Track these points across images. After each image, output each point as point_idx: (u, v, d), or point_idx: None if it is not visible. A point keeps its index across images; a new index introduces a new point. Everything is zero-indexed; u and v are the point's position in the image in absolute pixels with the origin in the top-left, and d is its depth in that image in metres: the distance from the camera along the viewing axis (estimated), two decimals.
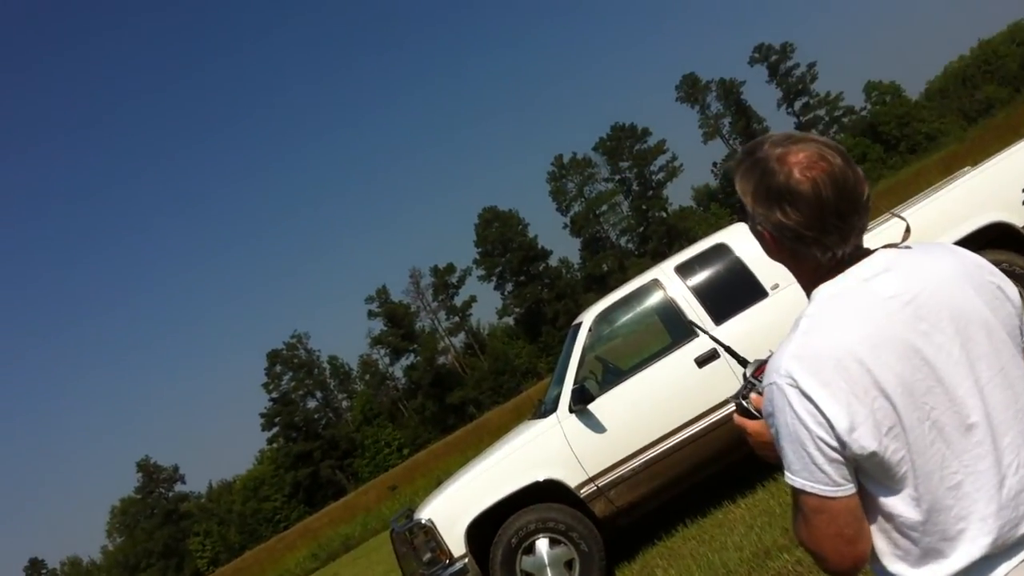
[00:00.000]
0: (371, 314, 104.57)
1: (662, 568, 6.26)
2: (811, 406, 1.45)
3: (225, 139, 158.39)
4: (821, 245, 1.55)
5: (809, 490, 1.47)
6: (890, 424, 1.45)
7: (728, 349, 2.04)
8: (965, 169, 8.08)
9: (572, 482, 6.42)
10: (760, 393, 1.64)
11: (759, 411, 1.64)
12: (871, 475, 1.49)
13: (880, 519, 1.51)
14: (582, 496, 6.42)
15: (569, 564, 6.32)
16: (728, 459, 6.61)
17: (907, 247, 1.61)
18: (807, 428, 1.45)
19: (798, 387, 1.46)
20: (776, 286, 6.58)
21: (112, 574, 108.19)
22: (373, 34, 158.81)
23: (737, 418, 1.72)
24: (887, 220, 6.82)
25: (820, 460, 1.45)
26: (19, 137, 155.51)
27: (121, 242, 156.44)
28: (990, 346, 1.51)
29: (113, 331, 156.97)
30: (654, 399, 6.51)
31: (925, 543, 1.48)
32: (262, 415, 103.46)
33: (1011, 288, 1.58)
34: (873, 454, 1.45)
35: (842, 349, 1.46)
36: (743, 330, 6.48)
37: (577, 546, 6.29)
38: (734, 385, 5.91)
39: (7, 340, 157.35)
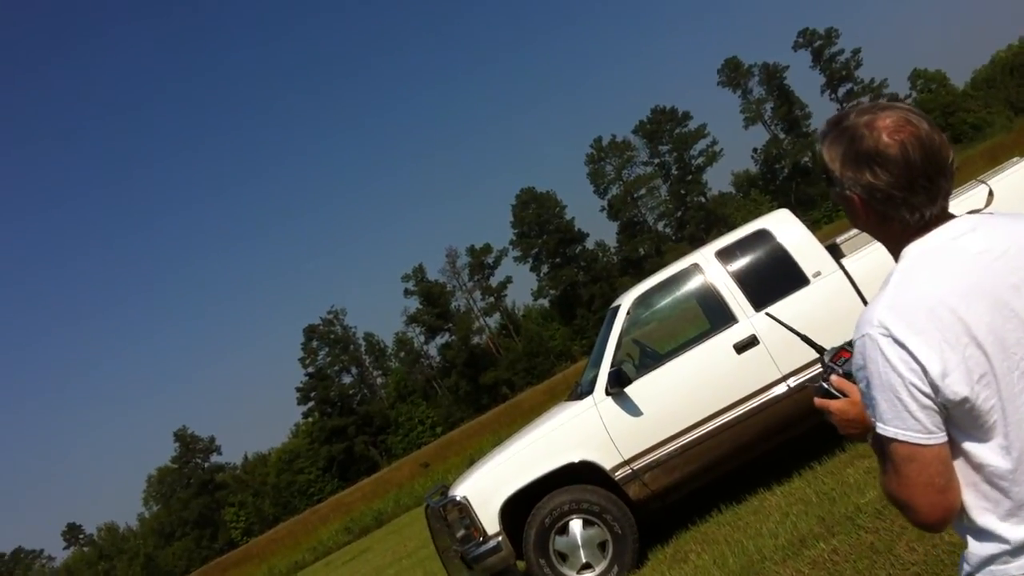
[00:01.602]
0: (407, 292, 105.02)
1: (695, 552, 6.26)
2: (904, 353, 1.49)
3: (273, 119, 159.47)
4: (909, 205, 1.59)
5: (901, 438, 1.51)
6: (982, 372, 1.49)
7: (804, 338, 2.06)
8: (1014, 159, 7.93)
9: (607, 464, 6.43)
10: (840, 375, 1.73)
11: (840, 392, 1.73)
12: (961, 424, 1.52)
13: (969, 470, 1.54)
14: (617, 479, 6.43)
15: (602, 545, 6.35)
16: (765, 446, 6.59)
17: (990, 213, 1.65)
18: (900, 375, 1.50)
19: (891, 335, 1.50)
20: (818, 273, 6.53)
21: (148, 541, 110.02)
22: (420, 16, 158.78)
23: (819, 401, 1.79)
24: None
25: (913, 407, 1.49)
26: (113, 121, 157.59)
27: (170, 217, 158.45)
28: None
29: (158, 303, 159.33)
30: (692, 384, 6.50)
31: (1015, 492, 1.51)
32: (298, 389, 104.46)
33: None
34: (965, 400, 1.48)
35: (934, 299, 1.51)
36: (783, 317, 6.41)
37: (611, 528, 6.31)
38: (772, 372, 5.90)
39: (56, 311, 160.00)
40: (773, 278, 6.66)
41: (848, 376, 1.72)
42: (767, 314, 3.00)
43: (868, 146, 1.59)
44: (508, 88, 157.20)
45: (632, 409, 6.49)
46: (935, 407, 1.49)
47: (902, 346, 1.49)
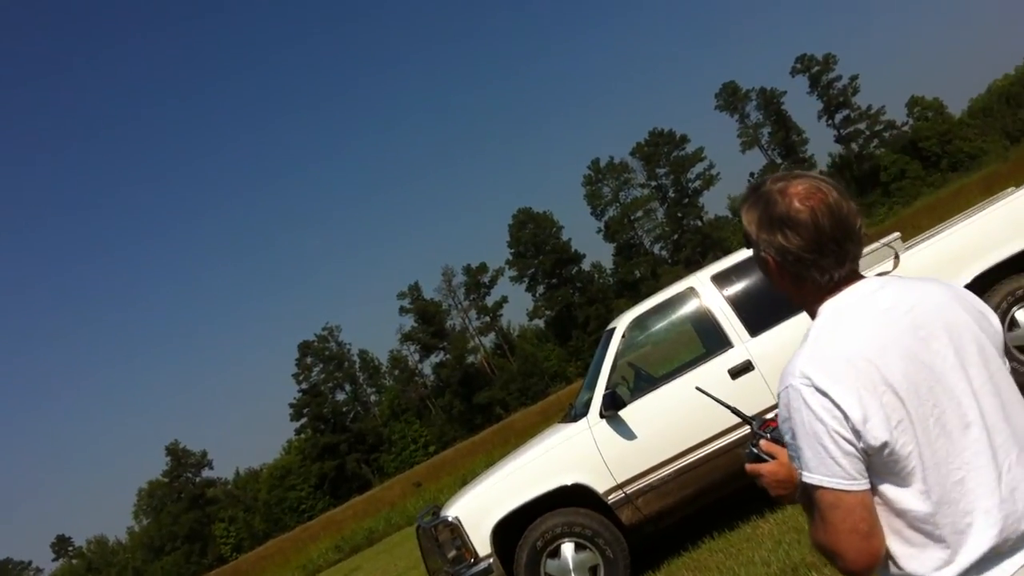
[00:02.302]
0: (403, 310, 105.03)
1: None
2: (826, 400, 1.56)
3: (272, 134, 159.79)
4: (819, 267, 1.69)
5: (826, 484, 1.57)
6: (899, 418, 1.57)
7: (734, 410, 2.15)
8: (1009, 189, 7.97)
9: (600, 488, 6.41)
10: (768, 440, 1.83)
11: (770, 455, 1.82)
12: (881, 471, 1.59)
13: (892, 516, 1.60)
14: (609, 502, 6.41)
15: (594, 570, 6.32)
16: None
17: (898, 276, 1.77)
18: (823, 422, 1.56)
19: (813, 384, 1.58)
20: None
21: (137, 555, 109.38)
22: (420, 36, 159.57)
23: (750, 466, 1.87)
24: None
25: (836, 453, 1.56)
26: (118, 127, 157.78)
27: (169, 228, 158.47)
28: (979, 356, 1.65)
29: (153, 316, 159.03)
30: (686, 408, 6.47)
31: (937, 536, 1.57)
32: (291, 405, 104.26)
33: (993, 315, 1.74)
34: (884, 445, 1.55)
35: (851, 350, 1.60)
36: (779, 342, 6.45)
37: (603, 552, 6.28)
38: (768, 398, 5.87)
39: (49, 321, 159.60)
40: (769, 303, 6.65)
41: (776, 441, 1.81)
42: (697, 388, 3.08)
43: (781, 211, 1.70)
44: (506, 108, 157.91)
45: (626, 432, 6.47)
46: (857, 453, 1.56)
47: (824, 394, 1.56)
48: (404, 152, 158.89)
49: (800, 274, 1.71)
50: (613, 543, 6.30)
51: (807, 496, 1.62)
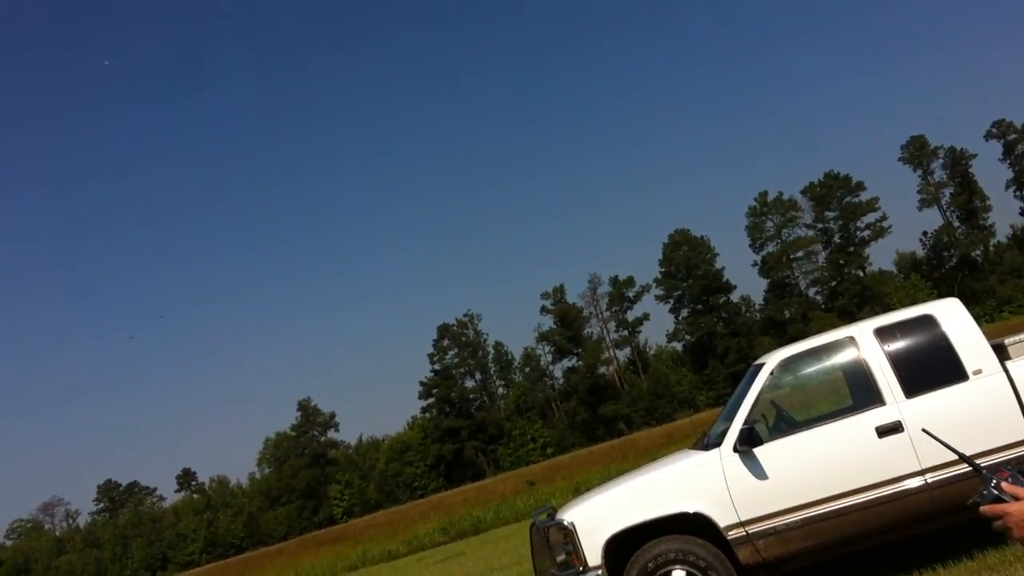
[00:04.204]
0: (544, 310, 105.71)
1: None
2: None
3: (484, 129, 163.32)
4: None
5: None
6: None
7: (962, 456, 2.23)
8: None
9: (722, 521, 6.30)
10: (1010, 483, 1.92)
11: (1014, 496, 1.90)
12: None
13: None
14: (729, 538, 6.28)
15: None
16: (889, 537, 6.34)
17: None
18: None
19: None
20: (979, 371, 6.26)
21: (254, 501, 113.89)
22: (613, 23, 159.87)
23: (990, 507, 1.95)
24: None
25: None
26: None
27: (355, 206, 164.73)
28: None
29: (312, 283, 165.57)
30: (825, 458, 6.29)
31: None
32: (422, 383, 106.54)
33: None
34: None
35: None
36: (933, 408, 6.20)
37: None
38: (912, 463, 5.66)
39: (242, 273, 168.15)
40: (930, 367, 6.41)
41: (1018, 484, 1.90)
42: (924, 430, 3.10)
43: None
44: (683, 128, 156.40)
45: (758, 471, 6.33)
46: None
47: None
48: (580, 148, 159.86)
49: None
50: None
51: None
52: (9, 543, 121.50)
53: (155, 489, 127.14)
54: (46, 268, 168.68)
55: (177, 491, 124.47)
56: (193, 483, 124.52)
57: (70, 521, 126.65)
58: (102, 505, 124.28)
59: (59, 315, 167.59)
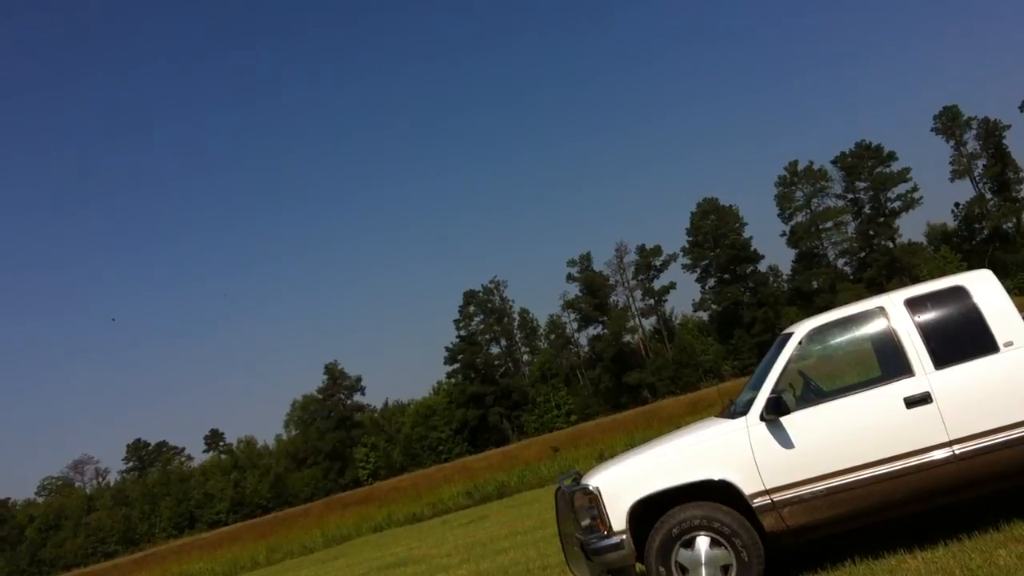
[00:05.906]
0: (570, 278, 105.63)
1: None
2: None
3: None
4: None
5: None
6: None
7: None
8: None
9: (747, 489, 6.31)
10: None
11: None
12: None
13: None
14: (754, 505, 6.30)
15: (725, 569, 6.24)
16: (913, 508, 6.33)
17: None
18: None
19: None
20: (1010, 343, 6.22)
21: (281, 462, 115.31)
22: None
23: None
24: None
25: None
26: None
27: (383, 183, 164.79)
28: None
29: (346, 244, 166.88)
30: (852, 428, 6.28)
31: None
32: (447, 349, 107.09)
33: None
34: None
35: None
36: (962, 380, 6.18)
37: (738, 553, 6.20)
38: (940, 434, 5.62)
39: (274, 237, 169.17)
40: (960, 338, 6.38)
41: None
42: None
43: None
44: (714, 96, 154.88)
45: (784, 440, 6.34)
46: None
47: None
48: (611, 115, 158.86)
49: None
50: (750, 546, 6.20)
51: None
52: (40, 500, 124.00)
53: (183, 449, 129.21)
54: (82, 232, 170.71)
55: (205, 451, 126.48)
56: (221, 444, 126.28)
57: (100, 479, 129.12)
58: (131, 464, 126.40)
59: (93, 276, 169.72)
